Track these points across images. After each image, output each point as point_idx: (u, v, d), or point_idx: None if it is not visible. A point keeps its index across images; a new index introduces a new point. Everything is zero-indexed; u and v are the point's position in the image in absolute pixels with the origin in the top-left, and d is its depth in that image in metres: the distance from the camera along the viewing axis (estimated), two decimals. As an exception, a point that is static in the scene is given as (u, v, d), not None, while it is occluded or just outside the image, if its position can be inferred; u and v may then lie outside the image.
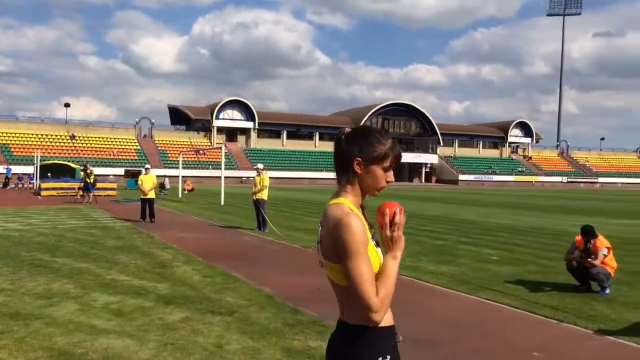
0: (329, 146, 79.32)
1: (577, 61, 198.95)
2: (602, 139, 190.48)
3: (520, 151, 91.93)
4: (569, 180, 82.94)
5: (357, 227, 1.86)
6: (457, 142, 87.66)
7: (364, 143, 1.99)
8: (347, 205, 1.95)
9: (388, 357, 1.95)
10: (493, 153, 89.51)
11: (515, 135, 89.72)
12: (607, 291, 7.26)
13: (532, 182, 79.82)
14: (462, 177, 78.12)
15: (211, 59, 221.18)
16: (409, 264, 9.51)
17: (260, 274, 8.34)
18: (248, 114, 75.06)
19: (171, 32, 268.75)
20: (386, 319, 1.96)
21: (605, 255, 7.33)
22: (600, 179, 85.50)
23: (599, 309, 6.49)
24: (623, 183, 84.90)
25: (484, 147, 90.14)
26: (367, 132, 2.03)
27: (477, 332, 5.61)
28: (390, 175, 2.03)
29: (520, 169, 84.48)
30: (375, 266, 1.92)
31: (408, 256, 10.34)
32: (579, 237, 7.56)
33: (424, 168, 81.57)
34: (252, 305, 6.36)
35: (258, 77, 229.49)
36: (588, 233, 7.40)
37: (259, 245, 11.76)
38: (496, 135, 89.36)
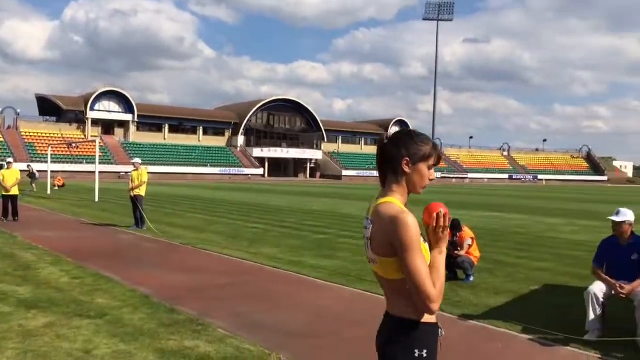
0: (213, 140, 78.02)
1: (449, 64, 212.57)
2: (471, 137, 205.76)
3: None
4: (442, 175, 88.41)
5: (413, 223, 1.97)
6: (340, 139, 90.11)
7: (410, 143, 2.13)
8: (397, 203, 2.06)
9: (424, 350, 2.02)
10: (374, 149, 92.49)
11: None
12: (471, 278, 7.83)
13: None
14: (345, 172, 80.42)
15: (86, 47, 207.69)
16: (290, 258, 9.60)
17: (135, 274, 7.98)
18: (126, 105, 71.58)
19: (40, 15, 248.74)
20: (430, 316, 2.05)
21: (469, 245, 7.90)
22: (470, 175, 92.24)
23: (463, 295, 6.98)
24: (489, 178, 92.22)
25: (365, 143, 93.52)
26: (411, 134, 2.17)
27: (351, 321, 5.78)
28: (433, 173, 2.17)
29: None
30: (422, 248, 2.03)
31: (289, 251, 10.45)
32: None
33: (308, 163, 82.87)
34: (125, 307, 6.05)
35: (138, 67, 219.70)
36: (454, 226, 7.91)
37: (136, 243, 11.25)
38: (377, 132, 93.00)
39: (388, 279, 2.07)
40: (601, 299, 5.23)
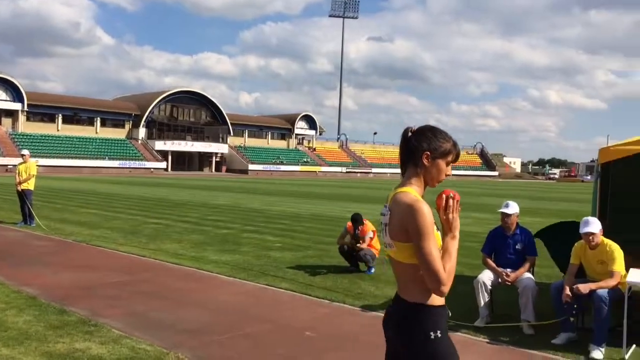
0: (112, 133, 74.39)
1: (354, 61, 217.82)
2: (375, 133, 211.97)
3: (305, 142, 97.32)
4: (348, 170, 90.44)
5: (427, 211, 2.12)
6: (247, 133, 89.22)
7: (433, 139, 2.26)
8: (414, 193, 2.20)
9: (438, 332, 2.15)
10: (281, 144, 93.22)
11: (301, 128, 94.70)
12: (373, 270, 8.05)
13: (316, 172, 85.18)
14: (251, 166, 79.79)
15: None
16: (193, 254, 9.38)
17: (22, 273, 7.43)
18: (15, 93, 66.41)
19: None
20: (439, 299, 2.18)
21: (371, 239, 8.11)
22: (374, 170, 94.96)
23: (365, 287, 7.15)
24: (392, 173, 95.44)
25: (272, 138, 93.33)
26: (434, 130, 2.30)
27: (252, 316, 5.74)
28: (450, 169, 2.31)
29: (305, 160, 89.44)
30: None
31: (191, 246, 10.20)
32: (349, 224, 8.23)
33: (214, 157, 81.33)
34: (9, 309, 5.61)
35: (28, 53, 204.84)
36: (356, 220, 8.10)
37: (23, 241, 10.48)
38: (284, 127, 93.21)
39: (403, 265, 2.21)
40: (489, 287, 5.56)
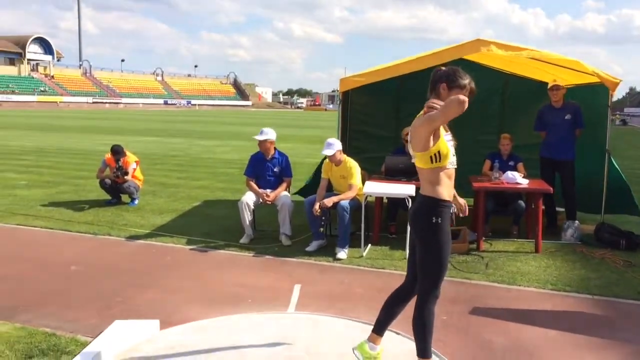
0: None
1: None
2: (123, 60, 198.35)
3: (41, 69, 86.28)
4: (95, 100, 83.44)
5: (428, 118, 2.71)
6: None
7: (453, 75, 2.82)
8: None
9: (439, 219, 2.81)
10: (10, 70, 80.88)
11: (34, 52, 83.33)
12: (136, 202, 7.95)
13: (57, 102, 76.65)
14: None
15: None
16: None
17: None
18: None
19: None
20: (446, 195, 2.84)
21: (134, 169, 7.95)
22: (124, 100, 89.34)
23: (130, 218, 7.08)
24: (144, 103, 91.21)
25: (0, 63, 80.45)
26: (456, 69, 2.85)
27: (7, 258, 5.29)
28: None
29: (42, 89, 79.73)
30: (443, 149, 2.79)
31: None
32: (109, 156, 7.90)
33: None
34: None
35: None
36: (117, 152, 7.82)
37: None
38: (12, 51, 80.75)
39: (422, 169, 2.86)
40: (252, 207, 6.04)
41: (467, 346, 3.55)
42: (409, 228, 3.08)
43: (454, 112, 2.58)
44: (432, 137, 2.76)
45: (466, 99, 2.55)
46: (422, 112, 2.80)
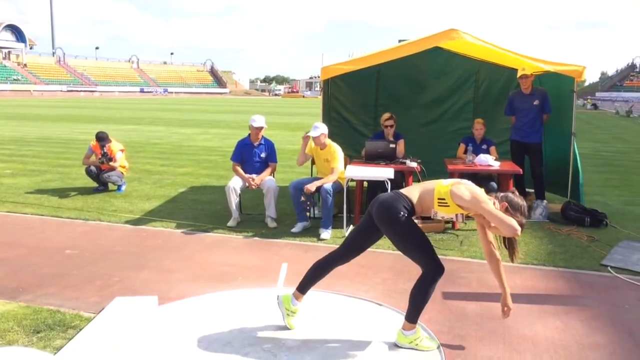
0: None
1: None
2: (97, 48, 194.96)
3: (13, 57, 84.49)
4: (69, 89, 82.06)
5: None
6: None
7: (517, 210, 3.21)
8: None
9: (405, 215, 3.19)
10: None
11: (5, 40, 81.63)
12: (123, 188, 8.13)
13: (30, 91, 75.28)
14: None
15: None
16: None
17: None
18: None
19: None
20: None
21: (121, 157, 8.12)
22: (99, 88, 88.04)
23: (118, 204, 7.27)
24: (120, 92, 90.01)
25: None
26: (521, 205, 3.23)
27: (2, 243, 5.48)
28: None
29: (15, 77, 78.18)
30: (451, 213, 3.24)
31: None
32: (94, 143, 8.04)
33: None
34: None
35: None
36: (102, 139, 7.96)
37: None
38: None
39: (432, 199, 3.23)
40: (238, 191, 6.29)
41: (442, 312, 3.88)
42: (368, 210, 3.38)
43: (504, 232, 3.09)
44: (466, 209, 3.17)
45: (519, 234, 3.09)
46: (496, 200, 3.20)
